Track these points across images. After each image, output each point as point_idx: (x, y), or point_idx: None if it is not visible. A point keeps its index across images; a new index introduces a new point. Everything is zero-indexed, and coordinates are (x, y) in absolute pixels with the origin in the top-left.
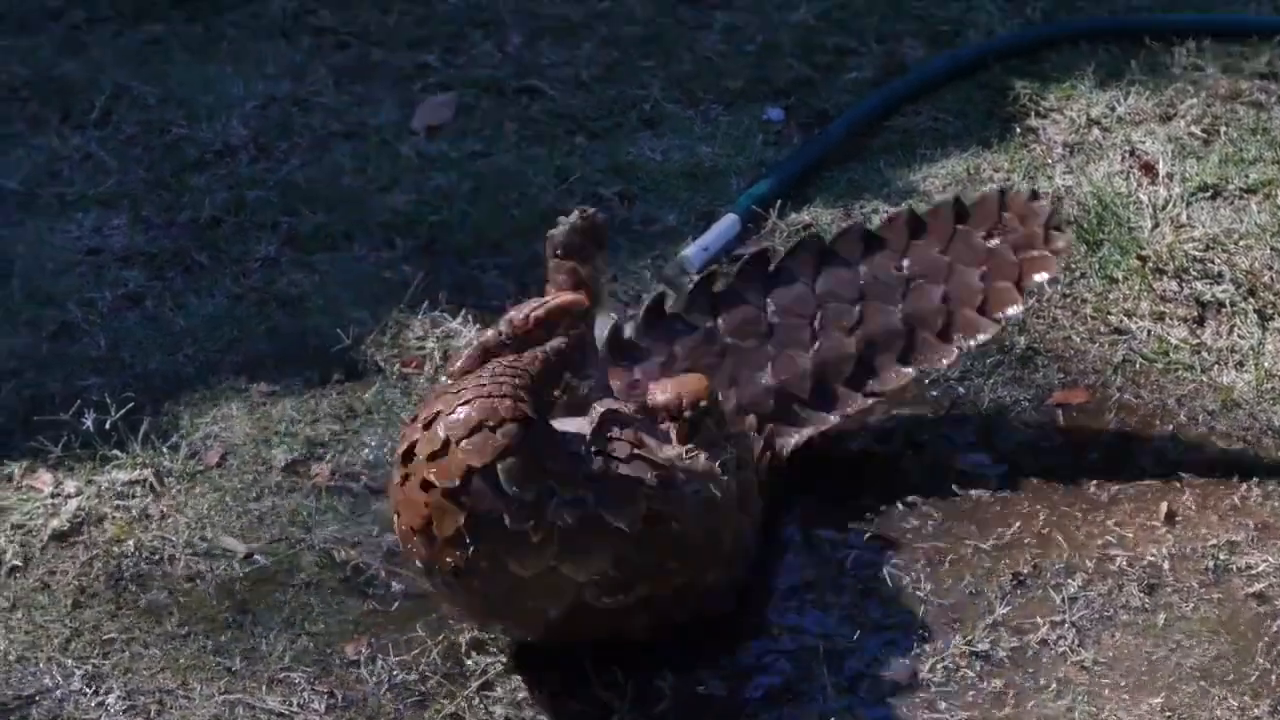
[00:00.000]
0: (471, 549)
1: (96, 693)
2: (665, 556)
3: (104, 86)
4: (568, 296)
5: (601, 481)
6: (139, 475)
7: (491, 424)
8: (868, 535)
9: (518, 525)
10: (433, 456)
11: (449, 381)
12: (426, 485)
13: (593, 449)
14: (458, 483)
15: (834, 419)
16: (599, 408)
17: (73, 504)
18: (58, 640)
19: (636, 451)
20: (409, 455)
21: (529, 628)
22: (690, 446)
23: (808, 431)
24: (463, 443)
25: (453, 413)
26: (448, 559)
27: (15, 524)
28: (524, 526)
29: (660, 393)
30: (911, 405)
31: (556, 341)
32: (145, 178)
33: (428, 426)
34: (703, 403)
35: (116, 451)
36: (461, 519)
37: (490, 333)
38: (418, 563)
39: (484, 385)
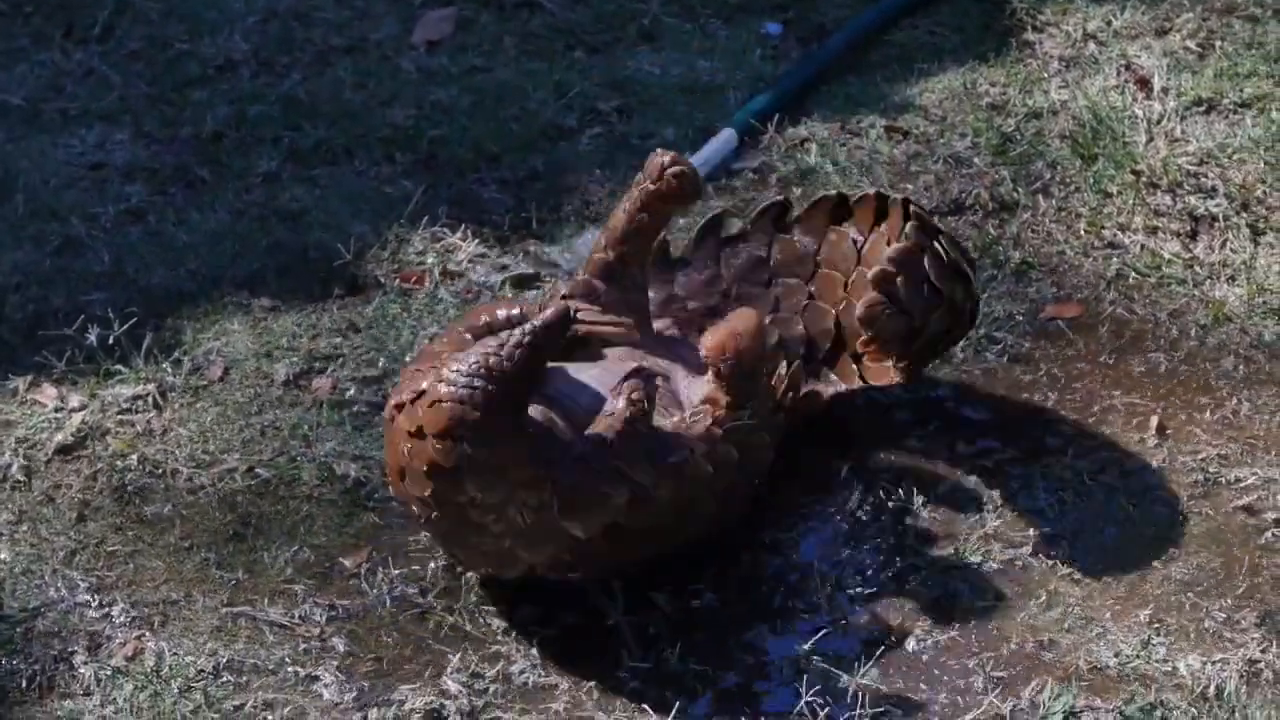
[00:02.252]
0: (436, 514)
1: (101, 604)
2: (633, 543)
3: (107, 2)
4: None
5: (567, 486)
6: (142, 390)
7: (459, 433)
8: (856, 449)
9: (480, 519)
10: (410, 435)
11: (447, 336)
12: (409, 438)
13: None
14: (425, 468)
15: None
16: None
17: (76, 418)
18: (63, 553)
19: (616, 463)
20: (399, 407)
21: (489, 570)
22: (695, 414)
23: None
24: (431, 441)
25: (430, 404)
26: (416, 508)
27: (20, 438)
28: (485, 520)
29: (709, 340)
30: None
31: (536, 329)
32: (147, 93)
33: (414, 400)
34: (745, 358)
35: (120, 366)
36: (428, 491)
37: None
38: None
39: (457, 381)
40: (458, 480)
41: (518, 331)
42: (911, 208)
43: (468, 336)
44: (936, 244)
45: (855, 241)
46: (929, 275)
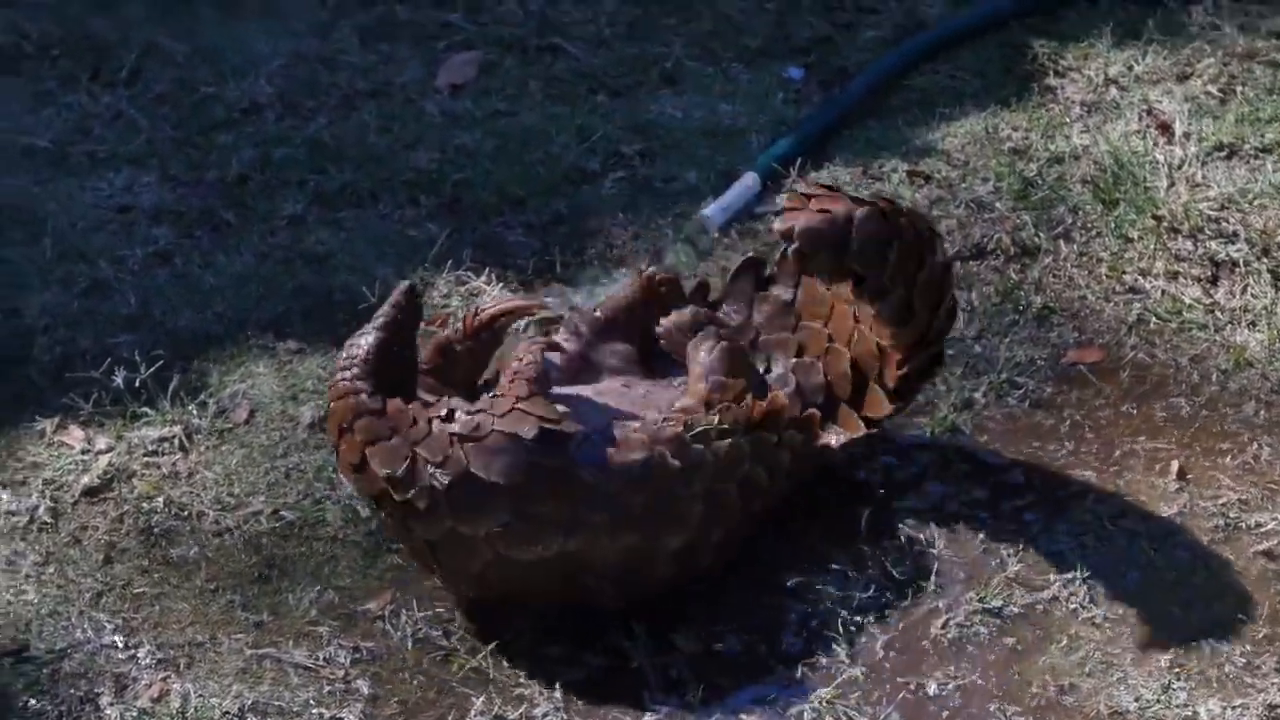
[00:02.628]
0: (384, 516)
1: (127, 646)
2: (575, 508)
3: (134, 44)
4: (516, 303)
5: (475, 439)
6: (168, 432)
7: (345, 425)
8: (879, 495)
9: (403, 495)
10: (337, 455)
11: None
12: (340, 459)
13: (466, 410)
14: (351, 475)
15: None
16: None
17: (103, 460)
18: (89, 595)
19: (518, 406)
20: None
21: (467, 585)
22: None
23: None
24: (341, 444)
25: (329, 412)
26: (384, 523)
27: (47, 480)
28: (408, 495)
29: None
30: None
31: (385, 311)
32: (174, 136)
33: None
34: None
35: (146, 409)
36: (371, 496)
37: (447, 331)
38: None
39: (339, 381)
40: (369, 470)
41: (367, 324)
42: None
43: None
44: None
45: None
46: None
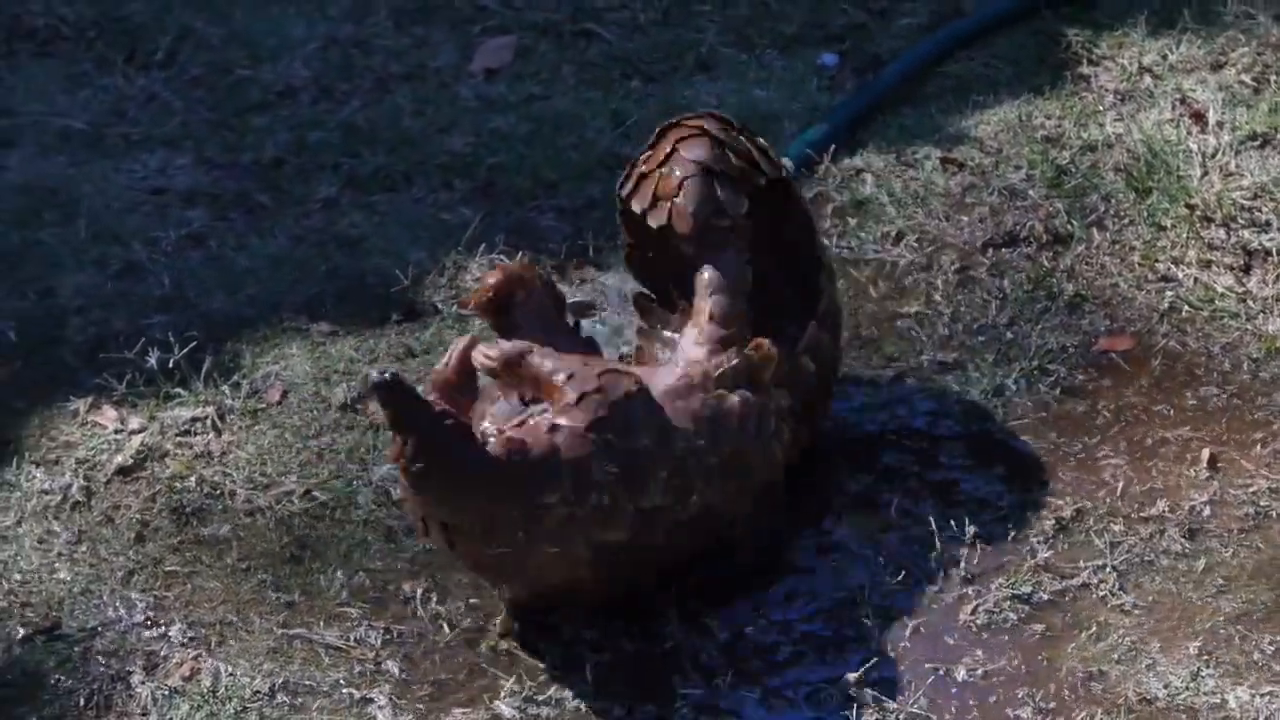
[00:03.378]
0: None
1: (158, 624)
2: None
3: (169, 27)
4: (512, 267)
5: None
6: (201, 412)
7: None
8: (910, 482)
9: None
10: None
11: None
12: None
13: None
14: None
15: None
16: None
17: (136, 440)
18: (121, 573)
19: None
20: None
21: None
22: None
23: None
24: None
25: None
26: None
27: (80, 459)
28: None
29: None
30: (957, 351)
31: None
32: (209, 118)
33: None
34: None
35: (179, 389)
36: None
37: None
38: None
39: None
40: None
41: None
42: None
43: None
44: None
45: None
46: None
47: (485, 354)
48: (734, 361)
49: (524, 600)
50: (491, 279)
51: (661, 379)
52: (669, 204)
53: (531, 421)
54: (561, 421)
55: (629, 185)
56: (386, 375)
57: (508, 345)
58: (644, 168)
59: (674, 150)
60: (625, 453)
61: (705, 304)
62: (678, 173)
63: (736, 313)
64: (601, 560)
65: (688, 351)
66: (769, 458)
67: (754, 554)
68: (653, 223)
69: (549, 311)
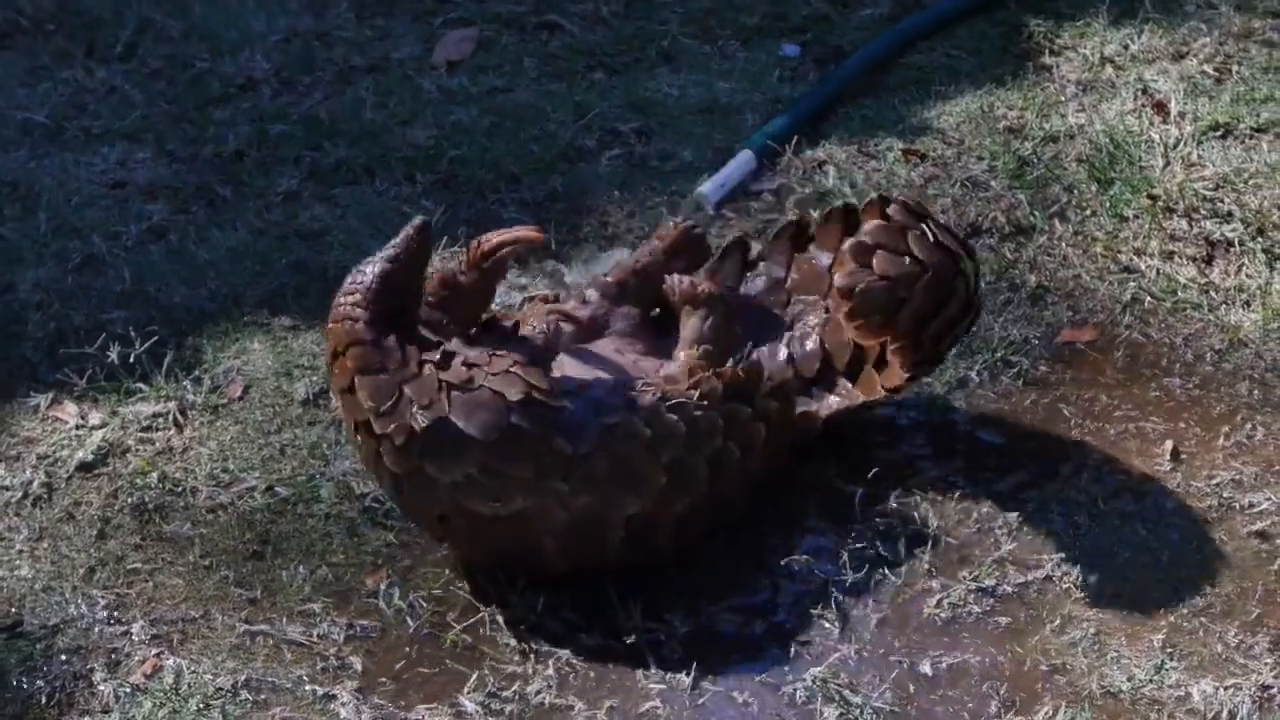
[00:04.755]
0: (360, 443)
1: (121, 621)
2: (545, 472)
3: (129, 21)
4: (519, 233)
5: (462, 389)
6: (162, 408)
7: (339, 349)
8: (874, 473)
9: (383, 429)
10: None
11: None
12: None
13: (457, 358)
14: (338, 397)
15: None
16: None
17: (97, 436)
18: (82, 570)
19: (512, 369)
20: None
21: (428, 527)
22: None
23: (835, 402)
24: (334, 367)
25: (327, 333)
26: (359, 449)
27: (41, 455)
28: (387, 430)
29: (675, 281)
30: None
31: (389, 249)
32: (169, 111)
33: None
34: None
35: (140, 384)
36: (352, 422)
37: (451, 264)
38: None
39: (339, 305)
40: (355, 397)
41: (377, 253)
42: (898, 196)
43: None
44: (923, 223)
45: None
46: (910, 247)
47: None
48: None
49: (479, 560)
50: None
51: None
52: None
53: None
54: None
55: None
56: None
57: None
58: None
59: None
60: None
61: (682, 351)
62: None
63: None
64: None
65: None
66: (739, 473)
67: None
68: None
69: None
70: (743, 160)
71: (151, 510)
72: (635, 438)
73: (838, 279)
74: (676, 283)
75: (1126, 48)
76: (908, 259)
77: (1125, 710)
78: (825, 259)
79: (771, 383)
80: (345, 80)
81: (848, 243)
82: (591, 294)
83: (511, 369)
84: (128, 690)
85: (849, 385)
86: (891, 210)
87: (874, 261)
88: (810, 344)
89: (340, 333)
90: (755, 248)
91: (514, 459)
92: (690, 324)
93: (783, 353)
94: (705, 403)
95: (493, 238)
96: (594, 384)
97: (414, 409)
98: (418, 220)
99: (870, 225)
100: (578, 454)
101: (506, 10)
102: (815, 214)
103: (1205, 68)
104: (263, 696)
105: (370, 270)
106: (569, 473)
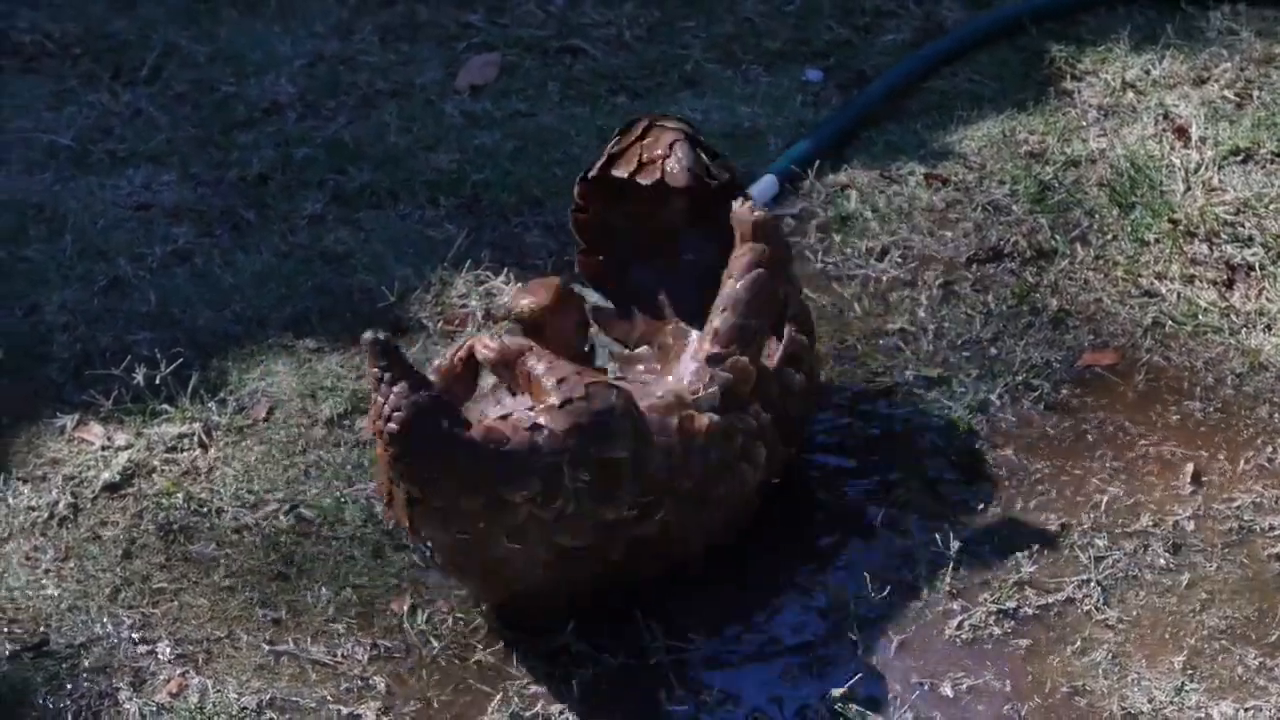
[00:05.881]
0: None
1: (146, 641)
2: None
3: (154, 44)
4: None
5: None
6: (188, 429)
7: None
8: (895, 495)
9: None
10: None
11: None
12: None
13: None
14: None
15: None
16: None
17: (123, 456)
18: (108, 590)
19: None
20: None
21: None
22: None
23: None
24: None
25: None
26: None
27: (67, 475)
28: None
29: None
30: (941, 366)
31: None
32: (194, 135)
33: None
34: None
35: (166, 406)
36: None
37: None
38: None
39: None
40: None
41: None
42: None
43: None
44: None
45: None
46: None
47: (486, 345)
48: (712, 388)
49: (489, 599)
50: (539, 296)
51: (644, 397)
52: (659, 164)
53: (515, 416)
54: (542, 421)
55: (600, 162)
56: (380, 335)
57: (509, 340)
58: (616, 148)
59: (650, 127)
60: (600, 463)
61: (715, 319)
62: (664, 139)
63: (738, 332)
64: (559, 564)
65: (682, 366)
66: (738, 483)
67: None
68: (644, 180)
69: (572, 333)
70: (766, 184)
71: (177, 531)
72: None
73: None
74: (739, 208)
75: (1148, 73)
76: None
77: None
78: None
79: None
80: (369, 104)
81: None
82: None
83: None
84: (153, 709)
85: None
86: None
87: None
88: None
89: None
90: None
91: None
92: (728, 281)
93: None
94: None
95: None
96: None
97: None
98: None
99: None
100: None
101: (529, 35)
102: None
103: (1226, 93)
104: (287, 716)
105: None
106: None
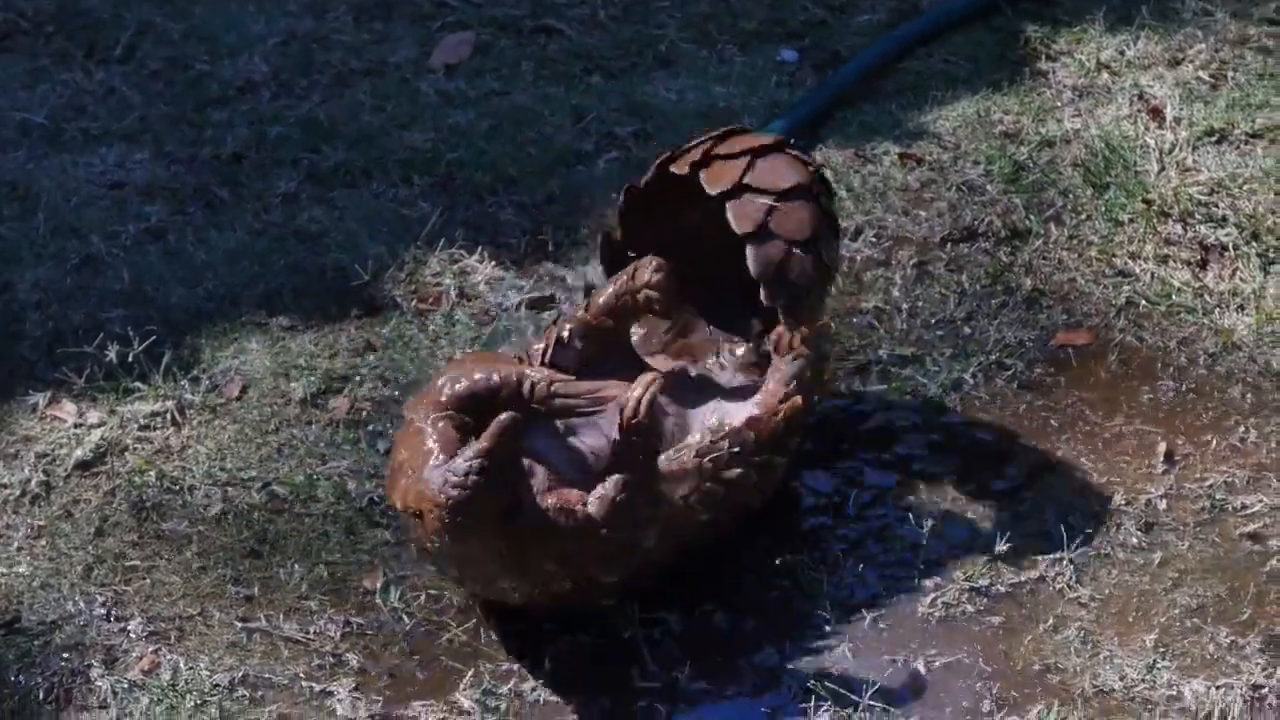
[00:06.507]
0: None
1: (118, 619)
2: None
3: (128, 23)
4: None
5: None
6: (160, 407)
7: (449, 538)
8: (868, 474)
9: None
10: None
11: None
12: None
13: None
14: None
15: None
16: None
17: (95, 434)
18: (80, 567)
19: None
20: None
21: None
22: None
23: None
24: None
25: (419, 518)
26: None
27: (39, 453)
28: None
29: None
30: (915, 345)
31: (481, 448)
32: (168, 113)
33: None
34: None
35: (139, 383)
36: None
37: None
38: None
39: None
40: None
41: (466, 461)
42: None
43: (449, 416)
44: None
45: None
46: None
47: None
48: (734, 449)
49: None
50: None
51: (668, 456)
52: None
53: (573, 495)
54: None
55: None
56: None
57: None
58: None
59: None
60: (629, 545)
61: (781, 364)
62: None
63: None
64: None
65: (735, 412)
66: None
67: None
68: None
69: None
70: None
71: (149, 508)
72: (675, 511)
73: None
74: (778, 337)
75: (1123, 54)
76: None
77: (1117, 709)
78: None
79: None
80: (343, 83)
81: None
82: (577, 342)
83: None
84: (125, 686)
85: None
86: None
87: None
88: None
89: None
90: None
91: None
92: (784, 368)
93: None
94: (740, 456)
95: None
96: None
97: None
98: (505, 419)
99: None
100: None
101: (503, 14)
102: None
103: (1201, 74)
104: (260, 693)
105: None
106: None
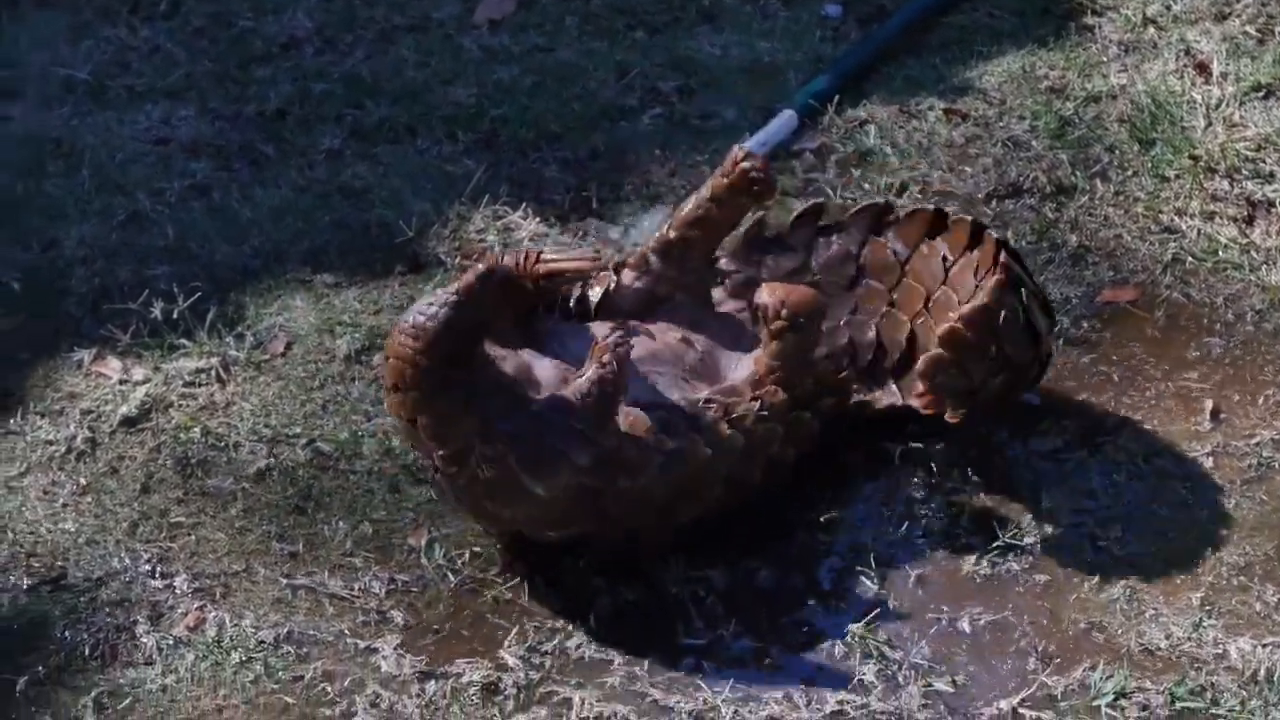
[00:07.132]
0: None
1: (164, 575)
2: (623, 510)
3: None
4: (581, 263)
5: (524, 444)
6: (205, 363)
7: (400, 385)
8: (914, 431)
9: (447, 470)
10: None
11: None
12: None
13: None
14: (397, 420)
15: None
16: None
17: (141, 391)
18: (126, 524)
19: (577, 424)
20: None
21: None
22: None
23: (884, 399)
24: (390, 396)
25: (385, 360)
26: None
27: (85, 410)
28: (450, 471)
29: (766, 294)
30: None
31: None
32: (212, 69)
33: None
34: (800, 319)
35: (184, 340)
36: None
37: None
38: None
39: (399, 340)
40: (416, 431)
41: (443, 293)
42: (1004, 251)
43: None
44: (1018, 302)
45: (945, 260)
46: (1000, 340)
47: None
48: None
49: (502, 528)
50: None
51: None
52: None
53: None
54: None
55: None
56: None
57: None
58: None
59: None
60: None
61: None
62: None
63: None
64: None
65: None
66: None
67: None
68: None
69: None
70: (785, 119)
71: (194, 465)
72: (696, 458)
73: (919, 364)
74: (766, 301)
75: (1169, 8)
76: (994, 349)
77: (1163, 668)
78: (901, 250)
79: (832, 372)
80: (387, 39)
81: (941, 328)
82: (654, 260)
83: (576, 425)
84: (170, 643)
85: (895, 386)
86: (991, 289)
87: (962, 355)
88: (869, 334)
89: (400, 371)
90: (831, 210)
91: (576, 503)
92: (773, 346)
93: (844, 336)
94: (767, 414)
95: (552, 261)
96: (655, 407)
97: (479, 464)
98: (481, 269)
99: (968, 310)
100: (637, 485)
101: None
102: (900, 203)
103: (1248, 28)
104: (304, 649)
105: (437, 314)
106: (627, 501)
